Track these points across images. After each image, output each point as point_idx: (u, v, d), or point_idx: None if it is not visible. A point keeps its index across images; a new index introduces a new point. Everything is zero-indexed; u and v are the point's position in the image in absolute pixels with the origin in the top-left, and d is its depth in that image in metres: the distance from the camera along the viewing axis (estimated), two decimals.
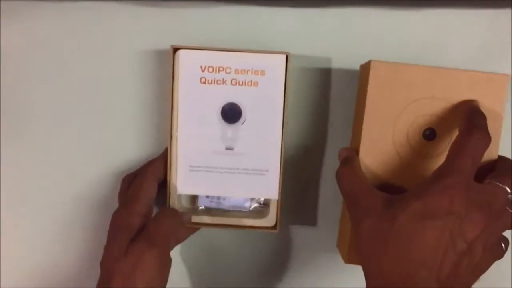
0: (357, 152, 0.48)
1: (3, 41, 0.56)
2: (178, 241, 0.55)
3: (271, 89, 0.51)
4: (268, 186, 0.52)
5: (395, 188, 0.47)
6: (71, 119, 0.56)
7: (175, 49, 0.51)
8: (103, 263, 0.49)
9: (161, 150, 0.55)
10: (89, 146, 0.56)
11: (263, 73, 0.51)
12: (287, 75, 0.51)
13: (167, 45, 0.52)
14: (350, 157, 0.48)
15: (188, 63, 0.51)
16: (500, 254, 0.44)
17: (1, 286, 0.58)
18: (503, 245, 0.44)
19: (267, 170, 0.52)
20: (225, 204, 0.54)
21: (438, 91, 0.47)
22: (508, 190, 0.42)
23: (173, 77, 0.51)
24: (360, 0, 0.53)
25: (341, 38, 0.54)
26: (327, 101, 0.55)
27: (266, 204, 0.54)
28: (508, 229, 0.43)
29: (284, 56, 0.51)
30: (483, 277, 0.55)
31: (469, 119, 0.44)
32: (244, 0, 0.54)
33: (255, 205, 0.54)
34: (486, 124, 0.44)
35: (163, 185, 0.53)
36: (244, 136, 0.52)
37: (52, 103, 0.56)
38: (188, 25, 0.55)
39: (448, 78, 0.47)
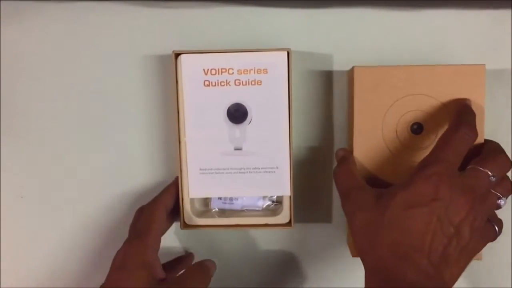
0: (352, 150, 0.51)
1: (3, 41, 0.56)
2: None
3: (275, 86, 0.51)
4: (280, 183, 0.53)
5: (387, 181, 0.50)
6: (71, 121, 0.56)
7: (177, 54, 0.51)
8: None
9: (167, 156, 0.55)
10: (91, 156, 0.56)
11: (265, 71, 0.51)
12: (290, 71, 0.51)
13: (168, 49, 0.51)
14: (345, 157, 0.51)
15: (190, 68, 0.51)
16: (491, 236, 0.46)
17: None
18: (496, 228, 0.46)
19: (277, 167, 0.52)
20: (238, 205, 0.55)
21: (421, 88, 0.49)
22: (489, 173, 0.44)
23: (176, 82, 0.51)
24: (360, 0, 0.53)
25: (342, 37, 0.54)
26: (330, 95, 0.55)
27: (278, 201, 0.55)
28: (495, 209, 0.46)
29: (286, 53, 0.51)
30: (484, 277, 0.56)
31: (459, 115, 0.47)
32: (245, 0, 0.53)
33: (268, 203, 0.55)
34: (474, 121, 0.46)
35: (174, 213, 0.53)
36: (252, 135, 0.52)
37: (51, 104, 0.56)
38: (188, 27, 0.54)
39: (428, 74, 0.49)
